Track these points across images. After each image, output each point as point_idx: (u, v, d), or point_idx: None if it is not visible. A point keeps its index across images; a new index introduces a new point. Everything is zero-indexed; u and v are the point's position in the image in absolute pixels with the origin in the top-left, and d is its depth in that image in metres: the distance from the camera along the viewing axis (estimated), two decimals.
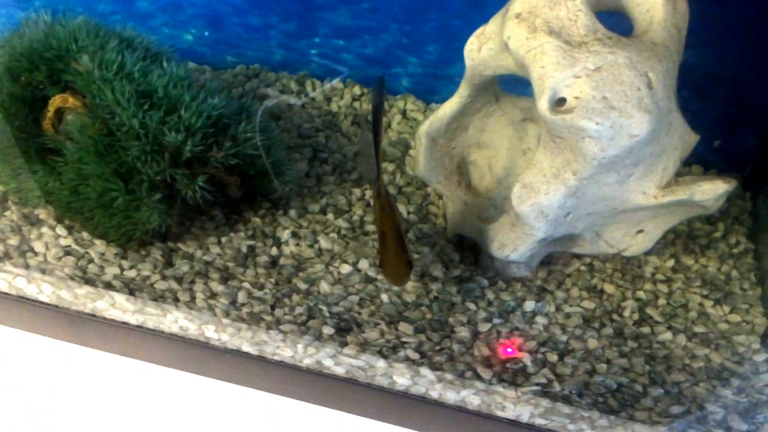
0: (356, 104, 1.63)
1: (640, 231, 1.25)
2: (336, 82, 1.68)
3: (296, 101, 1.61)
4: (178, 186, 1.19)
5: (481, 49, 1.17)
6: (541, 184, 1.14)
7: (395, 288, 1.27)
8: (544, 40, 1.06)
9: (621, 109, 1.04)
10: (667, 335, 1.24)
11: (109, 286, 1.23)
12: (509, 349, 1.21)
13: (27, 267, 1.23)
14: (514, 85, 1.34)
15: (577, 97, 1.05)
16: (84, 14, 1.32)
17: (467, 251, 1.37)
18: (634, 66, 1.05)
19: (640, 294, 1.30)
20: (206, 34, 1.60)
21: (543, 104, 1.06)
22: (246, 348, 1.23)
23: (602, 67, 1.04)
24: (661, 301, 1.29)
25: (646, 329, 1.25)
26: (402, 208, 1.42)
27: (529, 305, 1.27)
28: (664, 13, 1.10)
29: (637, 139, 1.05)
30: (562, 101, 1.07)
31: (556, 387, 1.15)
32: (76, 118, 1.18)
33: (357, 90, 1.65)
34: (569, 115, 1.04)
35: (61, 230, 1.28)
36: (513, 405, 1.15)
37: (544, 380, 1.16)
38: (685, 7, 1.13)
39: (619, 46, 1.05)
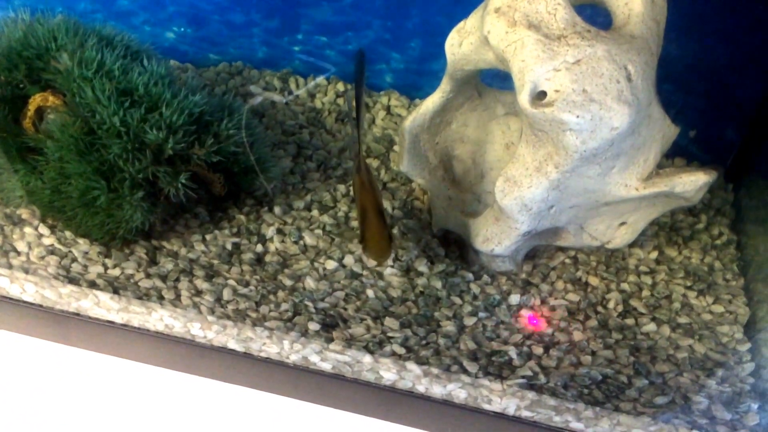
0: (340, 101, 1.62)
1: (623, 223, 1.25)
2: (320, 79, 1.68)
3: (281, 98, 1.61)
4: (161, 184, 1.19)
5: (462, 44, 1.18)
6: (524, 178, 1.15)
7: (373, 263, 1.28)
8: (524, 34, 1.06)
9: (601, 101, 1.04)
10: (651, 326, 1.25)
11: (93, 284, 1.22)
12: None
13: (10, 267, 1.22)
14: (496, 80, 1.35)
15: (557, 91, 1.05)
16: (63, 13, 1.32)
17: (452, 246, 1.37)
18: (614, 59, 1.05)
19: (625, 286, 1.31)
20: (188, 31, 1.59)
21: (523, 98, 1.06)
22: (232, 345, 1.23)
23: (582, 60, 1.04)
24: (645, 293, 1.30)
25: (630, 321, 1.26)
26: (387, 204, 1.42)
27: (514, 299, 1.27)
28: (642, 6, 1.11)
29: (618, 131, 1.05)
30: (542, 95, 1.07)
31: (542, 379, 1.16)
32: (57, 116, 1.18)
33: (341, 86, 1.65)
34: (549, 109, 1.05)
35: (43, 229, 1.27)
36: (499, 398, 1.16)
37: (529, 373, 1.16)
38: (663, 0, 1.14)
39: (598, 39, 1.05)
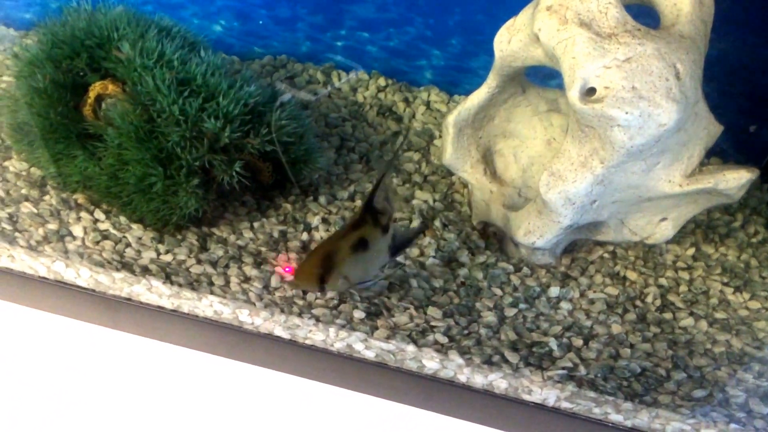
0: (381, 95, 1.66)
1: (664, 219, 1.28)
2: (351, 77, 1.71)
3: (311, 97, 1.64)
4: (216, 172, 1.23)
5: (510, 41, 1.21)
6: (569, 172, 1.18)
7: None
8: (575, 32, 1.09)
9: (650, 98, 1.07)
10: (689, 321, 1.27)
11: (145, 270, 1.26)
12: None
13: (66, 251, 1.27)
14: (539, 77, 1.38)
15: (607, 87, 1.08)
16: (115, 4, 1.36)
17: (491, 238, 1.40)
18: (663, 57, 1.08)
19: (662, 281, 1.33)
20: (235, 24, 1.63)
21: (573, 94, 1.10)
22: (278, 332, 1.26)
23: (632, 58, 1.07)
24: (683, 288, 1.33)
25: (668, 315, 1.28)
26: (428, 196, 1.45)
27: (554, 291, 1.30)
28: (691, 7, 1.14)
29: (665, 128, 1.08)
30: (591, 91, 1.10)
31: (582, 371, 1.19)
32: (118, 104, 1.22)
33: (382, 81, 1.69)
34: (599, 105, 1.08)
35: (99, 215, 1.32)
36: (539, 389, 1.19)
37: (570, 364, 1.19)
38: (711, 1, 1.17)
39: (648, 38, 1.08)
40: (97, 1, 1.33)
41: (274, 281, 1.27)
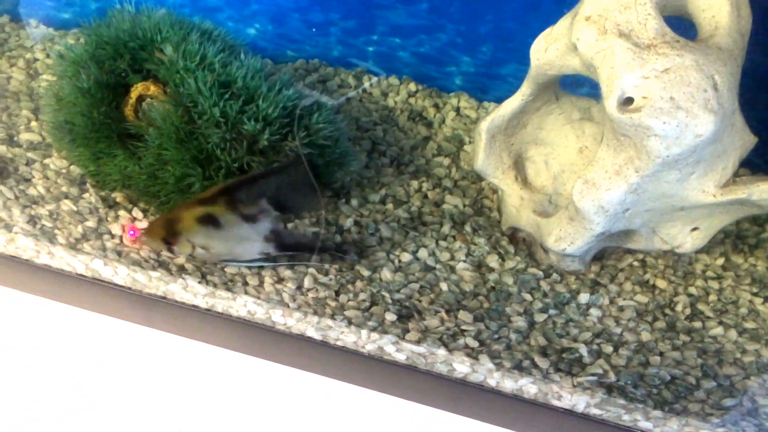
0: (411, 100, 1.68)
1: (695, 228, 1.29)
2: (374, 82, 1.73)
3: (331, 101, 1.66)
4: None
5: (547, 50, 1.22)
6: (603, 181, 1.19)
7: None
8: (614, 42, 1.11)
9: (687, 109, 1.08)
10: (719, 330, 1.28)
11: (181, 269, 1.28)
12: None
13: (104, 249, 1.29)
14: (568, 85, 1.39)
15: (645, 97, 1.09)
16: (154, 6, 1.38)
17: (521, 244, 1.42)
18: (701, 69, 1.09)
19: (692, 290, 1.34)
20: (269, 28, 1.65)
21: (611, 103, 1.11)
22: (310, 333, 1.28)
23: (670, 69, 1.09)
24: (712, 298, 1.34)
25: (697, 324, 1.29)
26: (458, 201, 1.47)
27: (584, 297, 1.31)
28: (729, 19, 1.15)
29: (702, 138, 1.09)
30: (629, 101, 1.11)
31: (612, 378, 1.20)
32: (159, 105, 1.24)
33: (412, 87, 1.71)
34: (637, 114, 1.09)
35: (137, 213, 1.34)
36: (569, 395, 1.20)
37: (599, 371, 1.20)
38: (748, 13, 1.18)
39: (686, 50, 1.10)
40: (140, 3, 1.36)
41: (307, 282, 1.30)
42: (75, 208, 1.34)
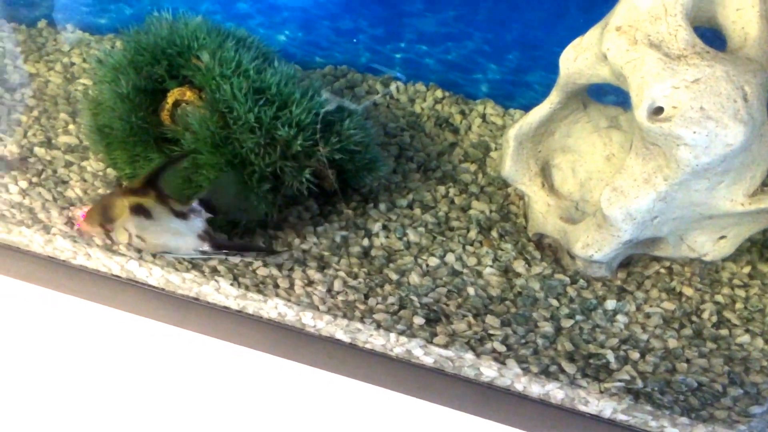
0: (438, 107, 1.70)
1: (723, 237, 1.30)
2: (393, 89, 1.75)
3: (354, 105, 1.68)
4: (286, 178, 1.27)
5: (577, 59, 1.24)
6: (631, 188, 1.20)
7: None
8: (645, 52, 1.12)
9: (717, 119, 1.09)
10: (745, 338, 1.29)
11: (214, 271, 1.31)
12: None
13: (139, 251, 1.32)
14: (593, 92, 1.41)
15: (675, 107, 1.10)
16: (187, 13, 1.42)
17: (547, 249, 1.43)
18: (731, 79, 1.10)
19: (719, 298, 1.35)
20: (298, 35, 1.68)
21: (641, 112, 1.12)
22: (339, 335, 1.30)
23: (700, 79, 1.10)
24: (739, 306, 1.34)
25: (724, 331, 1.30)
26: (484, 207, 1.48)
27: (610, 304, 1.33)
28: (758, 31, 1.16)
29: (732, 148, 1.10)
30: (659, 110, 1.13)
31: (639, 384, 1.21)
32: (195, 111, 1.27)
33: (439, 93, 1.73)
34: (667, 124, 1.10)
35: None
36: (596, 400, 1.21)
37: (627, 377, 1.21)
38: None
39: (716, 60, 1.11)
40: (175, 10, 1.39)
41: (336, 285, 1.31)
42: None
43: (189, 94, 1.30)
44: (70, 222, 1.35)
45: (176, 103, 1.32)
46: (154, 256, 1.32)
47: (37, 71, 1.68)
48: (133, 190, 1.24)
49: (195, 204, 1.25)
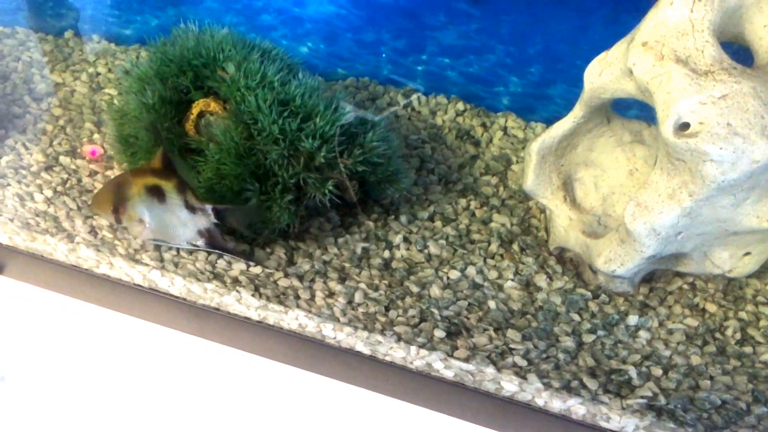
0: (459, 119, 1.70)
1: (748, 253, 1.29)
2: (413, 99, 1.76)
3: (373, 117, 1.69)
4: (309, 189, 1.28)
5: (602, 74, 1.24)
6: (656, 204, 1.20)
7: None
8: (671, 68, 1.12)
9: (745, 135, 1.09)
10: None
11: (235, 281, 1.31)
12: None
13: (161, 260, 1.33)
14: (621, 109, 1.40)
15: (701, 123, 1.10)
16: (212, 24, 1.43)
17: (568, 263, 1.43)
18: (759, 96, 1.10)
19: (742, 315, 1.34)
20: (321, 47, 1.69)
21: (667, 128, 1.12)
22: (359, 347, 1.30)
23: (728, 96, 1.09)
24: (763, 323, 1.33)
25: (748, 349, 1.29)
26: (505, 220, 1.48)
27: (633, 319, 1.32)
28: None
29: (759, 164, 1.10)
30: (685, 126, 1.12)
31: (662, 401, 1.20)
32: (220, 122, 1.28)
33: (460, 106, 1.73)
34: (693, 139, 1.10)
35: None
36: (618, 417, 1.20)
37: (649, 393, 1.20)
38: None
39: (744, 77, 1.10)
40: (200, 21, 1.41)
41: (357, 297, 1.32)
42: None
43: (214, 105, 1.31)
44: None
45: (201, 114, 1.33)
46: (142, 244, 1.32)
47: (63, 81, 1.70)
48: (153, 171, 1.25)
49: (208, 207, 1.27)
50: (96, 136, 1.53)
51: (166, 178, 1.25)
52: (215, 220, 1.28)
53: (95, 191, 1.31)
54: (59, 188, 1.44)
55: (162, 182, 1.24)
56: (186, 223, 1.28)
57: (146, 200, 1.24)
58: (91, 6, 1.80)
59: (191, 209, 1.27)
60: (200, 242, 1.29)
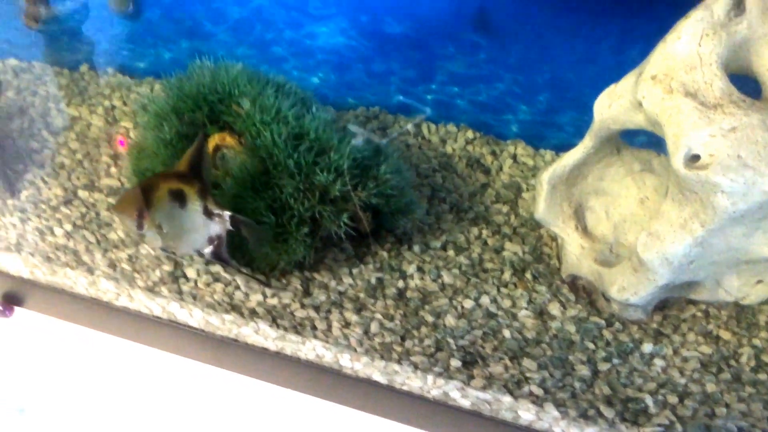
0: (469, 147, 1.72)
1: (760, 281, 1.30)
2: (418, 120, 1.78)
3: (381, 140, 1.71)
4: (325, 222, 1.30)
5: (611, 106, 1.26)
6: (668, 233, 1.21)
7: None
8: (681, 101, 1.14)
9: (755, 167, 1.10)
10: None
11: (253, 312, 1.33)
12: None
13: (180, 292, 1.35)
14: (630, 137, 1.42)
15: (712, 155, 1.12)
16: (225, 57, 1.46)
17: (581, 291, 1.44)
18: None
19: (756, 341, 1.34)
20: (331, 77, 1.72)
21: (678, 160, 1.14)
22: (376, 377, 1.31)
23: (737, 128, 1.11)
24: None
25: (762, 376, 1.29)
26: (517, 248, 1.50)
27: (647, 347, 1.33)
28: None
29: None
30: (696, 158, 1.14)
31: (678, 429, 1.21)
32: (235, 156, 1.30)
33: (470, 134, 1.75)
34: (704, 171, 1.12)
35: None
36: None
37: (666, 421, 1.21)
38: None
39: (753, 109, 1.12)
40: (216, 53, 1.43)
41: (373, 327, 1.33)
42: (153, 253, 1.40)
43: (229, 140, 1.34)
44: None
45: (216, 148, 1.35)
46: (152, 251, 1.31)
47: (80, 114, 1.73)
48: (179, 176, 1.21)
49: (227, 213, 1.24)
50: (113, 169, 1.56)
51: (190, 183, 1.21)
52: (230, 227, 1.25)
53: (121, 193, 1.26)
54: (78, 222, 1.46)
55: (185, 187, 1.21)
56: (199, 229, 1.25)
57: (168, 205, 1.20)
58: (106, 40, 1.84)
59: (209, 214, 1.24)
60: (207, 250, 1.26)
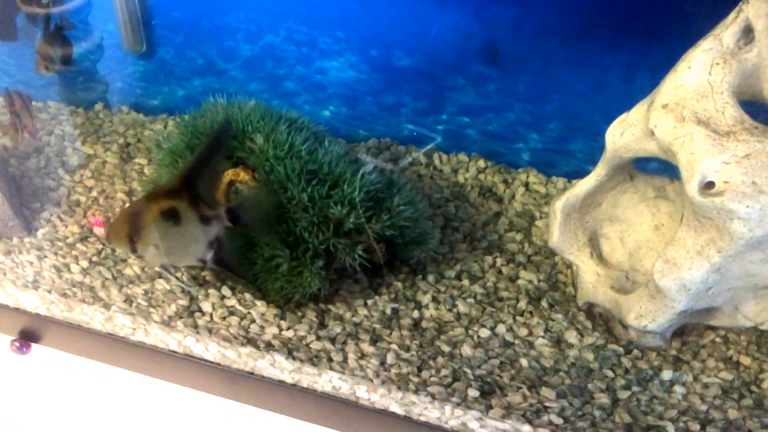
0: (481, 176, 1.73)
1: None
2: (430, 148, 1.79)
3: (394, 167, 1.72)
4: (339, 254, 1.30)
5: (623, 134, 1.26)
6: (684, 260, 1.21)
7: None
8: (693, 129, 1.14)
9: None
10: None
11: (269, 345, 1.33)
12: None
13: (195, 326, 1.35)
14: (643, 162, 1.43)
15: (726, 182, 1.12)
16: (238, 92, 1.49)
17: (598, 319, 1.43)
18: None
19: None
20: (343, 110, 1.74)
21: (692, 187, 1.14)
22: (393, 408, 1.30)
23: (751, 155, 1.11)
24: None
25: None
26: (532, 276, 1.49)
27: (667, 374, 1.31)
28: None
29: None
30: (710, 185, 1.14)
31: None
32: (249, 190, 1.31)
33: (481, 163, 1.76)
34: (719, 198, 1.12)
35: (225, 291, 1.40)
36: None
37: None
38: None
39: (766, 135, 1.12)
40: (228, 90, 1.45)
41: (390, 358, 1.32)
42: (168, 287, 1.41)
43: (243, 175, 1.35)
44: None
45: (231, 183, 1.37)
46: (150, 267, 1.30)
47: (95, 152, 1.75)
48: (168, 193, 1.20)
49: (221, 208, 1.24)
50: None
51: (179, 197, 1.19)
52: (228, 223, 1.23)
53: (111, 222, 1.27)
54: (94, 258, 1.47)
55: (175, 203, 1.19)
56: (199, 239, 1.23)
57: (161, 225, 1.19)
58: (120, 79, 1.87)
59: (205, 220, 1.23)
60: (209, 256, 1.24)
